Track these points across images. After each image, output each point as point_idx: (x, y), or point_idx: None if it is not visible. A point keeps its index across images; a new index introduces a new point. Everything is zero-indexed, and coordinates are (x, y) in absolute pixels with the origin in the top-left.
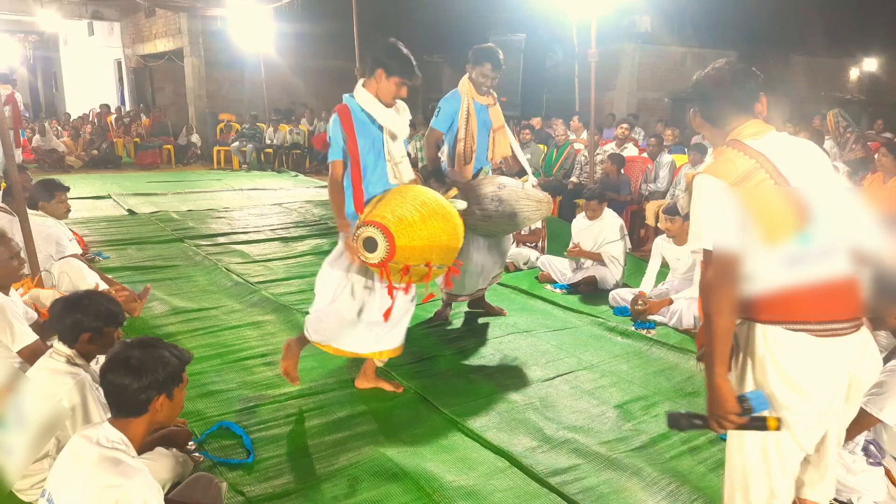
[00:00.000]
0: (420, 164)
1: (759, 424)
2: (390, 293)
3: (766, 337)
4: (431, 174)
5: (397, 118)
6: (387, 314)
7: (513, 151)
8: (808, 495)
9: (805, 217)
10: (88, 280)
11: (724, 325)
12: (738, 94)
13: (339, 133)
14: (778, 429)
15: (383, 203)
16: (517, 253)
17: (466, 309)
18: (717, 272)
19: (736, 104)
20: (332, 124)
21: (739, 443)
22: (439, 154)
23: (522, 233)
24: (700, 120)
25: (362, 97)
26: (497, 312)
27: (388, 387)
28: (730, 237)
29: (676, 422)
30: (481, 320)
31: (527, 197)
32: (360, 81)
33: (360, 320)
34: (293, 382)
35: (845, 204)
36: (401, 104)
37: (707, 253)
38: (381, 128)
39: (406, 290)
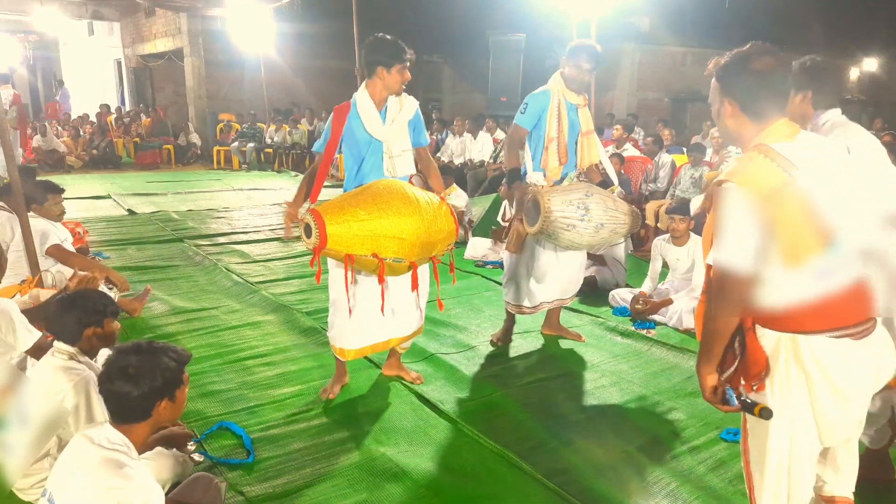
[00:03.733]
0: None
1: (749, 409)
2: (380, 281)
3: (812, 348)
4: (508, 175)
5: (397, 117)
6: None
7: (600, 159)
8: (831, 491)
9: (832, 231)
10: None
11: (721, 329)
12: (783, 85)
13: (328, 129)
14: (764, 416)
15: (342, 195)
16: None
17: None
18: (726, 288)
19: (778, 97)
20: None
21: (761, 451)
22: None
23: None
24: (734, 110)
25: (360, 100)
26: (574, 336)
27: (408, 377)
28: (746, 260)
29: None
30: (481, 321)
31: (615, 209)
32: (364, 84)
33: (363, 314)
34: (329, 396)
35: (868, 206)
36: (406, 100)
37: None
38: (384, 116)
39: (381, 279)
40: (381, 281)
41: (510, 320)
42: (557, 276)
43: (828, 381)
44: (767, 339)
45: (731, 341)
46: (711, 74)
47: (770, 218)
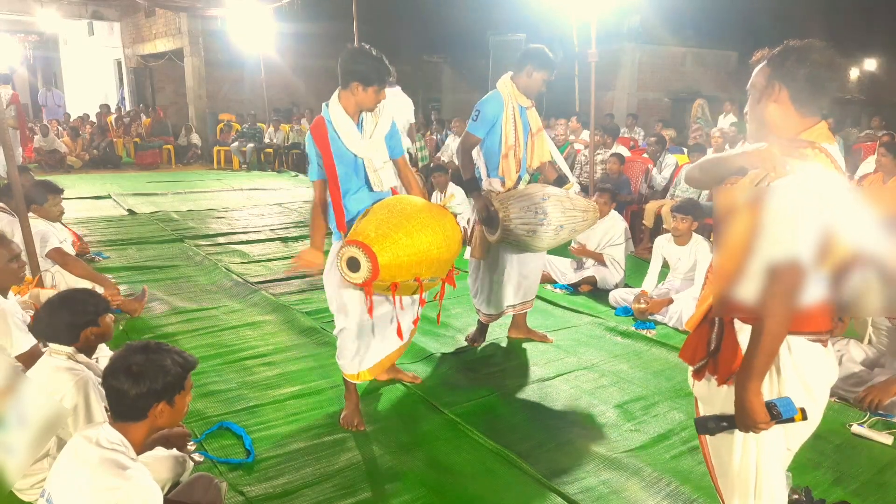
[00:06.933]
0: (420, 164)
1: (788, 420)
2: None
3: (791, 347)
4: (466, 185)
5: (374, 130)
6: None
7: (552, 157)
8: None
9: (855, 238)
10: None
11: (779, 341)
12: (834, 85)
13: (314, 151)
14: (805, 418)
15: (368, 219)
16: None
17: (507, 336)
18: (788, 288)
19: (826, 97)
20: (307, 142)
21: (730, 450)
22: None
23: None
24: (782, 97)
25: (334, 114)
26: (541, 338)
27: (406, 377)
28: (808, 256)
29: (704, 427)
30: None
31: (573, 207)
32: (336, 93)
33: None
34: (358, 428)
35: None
36: (382, 108)
37: (777, 264)
38: (361, 129)
39: (394, 295)
40: (393, 296)
41: (483, 328)
42: (518, 279)
43: (801, 380)
44: (745, 334)
45: (707, 335)
46: (760, 61)
47: (824, 217)
